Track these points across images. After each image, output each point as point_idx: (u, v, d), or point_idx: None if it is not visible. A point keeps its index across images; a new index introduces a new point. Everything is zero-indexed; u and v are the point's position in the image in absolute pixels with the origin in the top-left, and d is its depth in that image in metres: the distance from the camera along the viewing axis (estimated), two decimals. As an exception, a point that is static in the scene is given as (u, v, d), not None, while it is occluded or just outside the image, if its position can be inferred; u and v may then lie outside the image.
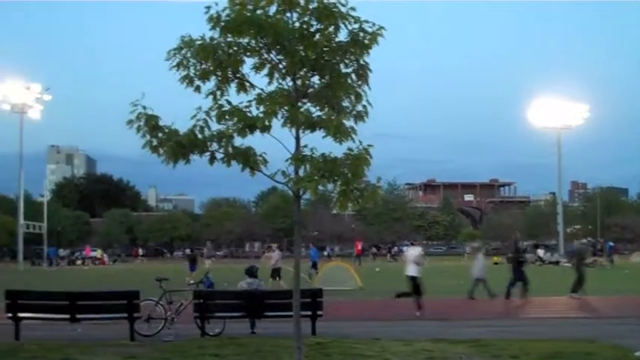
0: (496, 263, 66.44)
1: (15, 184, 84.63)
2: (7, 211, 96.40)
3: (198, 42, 8.84)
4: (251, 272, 18.35)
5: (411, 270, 21.07)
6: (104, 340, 14.82)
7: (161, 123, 8.84)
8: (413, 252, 22.07)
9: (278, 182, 8.96)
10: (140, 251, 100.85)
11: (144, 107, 8.82)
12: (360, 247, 72.71)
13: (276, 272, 32.29)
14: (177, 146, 8.74)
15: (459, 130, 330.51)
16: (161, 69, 9.20)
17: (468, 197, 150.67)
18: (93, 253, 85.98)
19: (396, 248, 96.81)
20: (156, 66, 9.42)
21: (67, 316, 15.62)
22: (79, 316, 15.68)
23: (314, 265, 39.77)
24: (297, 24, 8.78)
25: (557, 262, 66.11)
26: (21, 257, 75.04)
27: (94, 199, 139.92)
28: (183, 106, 9.26)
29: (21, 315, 15.55)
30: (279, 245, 41.61)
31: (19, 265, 71.32)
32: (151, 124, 8.78)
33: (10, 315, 15.51)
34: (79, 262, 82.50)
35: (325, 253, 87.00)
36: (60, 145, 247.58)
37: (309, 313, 15.55)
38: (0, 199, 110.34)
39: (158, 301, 16.53)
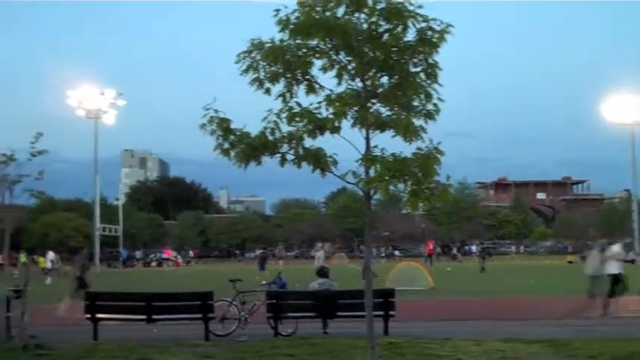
0: (570, 262, 65.35)
1: (91, 189, 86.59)
2: (84, 215, 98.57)
3: (268, 45, 8.93)
4: (322, 272, 18.41)
5: (613, 268, 20.63)
6: (179, 340, 15.04)
7: (233, 126, 8.96)
8: (615, 249, 21.59)
9: (349, 183, 8.98)
10: (191, 253, 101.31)
11: (216, 111, 8.96)
12: (431, 247, 72.28)
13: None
14: (249, 148, 8.85)
15: (531, 128, 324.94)
16: (232, 72, 9.32)
17: (540, 195, 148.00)
18: (174, 255, 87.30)
19: (455, 248, 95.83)
20: (227, 69, 9.57)
21: (144, 316, 15.94)
22: (155, 316, 15.99)
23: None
24: (365, 25, 8.80)
25: (632, 261, 64.61)
26: (97, 259, 76.66)
27: (167, 202, 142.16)
28: (253, 109, 9.37)
29: (99, 316, 15.92)
30: (323, 245, 41.55)
31: (95, 268, 72.87)
32: (223, 127, 8.91)
33: (88, 316, 15.90)
34: (153, 263, 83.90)
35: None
36: (134, 150, 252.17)
37: (382, 313, 15.52)
38: (77, 203, 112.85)
39: (232, 302, 16.71)
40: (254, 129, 8.99)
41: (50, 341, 14.45)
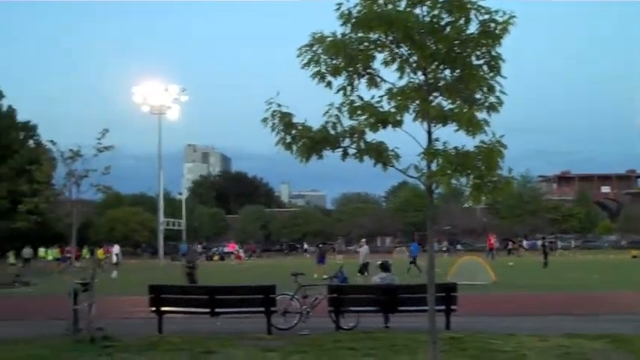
0: (635, 257, 64.05)
1: (155, 183, 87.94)
2: (148, 209, 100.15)
3: (330, 38, 8.93)
4: (385, 267, 18.40)
5: None
6: (242, 333, 15.18)
7: (294, 120, 8.99)
8: None
9: (411, 177, 8.94)
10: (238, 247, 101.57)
11: (278, 105, 9.00)
12: (492, 241, 71.48)
13: (364, 267, 32.48)
14: (311, 143, 8.87)
15: (593, 120, 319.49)
16: (294, 66, 9.35)
17: (605, 189, 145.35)
18: (237, 249, 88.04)
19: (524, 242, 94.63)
20: (288, 63, 9.60)
21: (207, 310, 16.14)
22: (218, 310, 16.17)
23: (413, 261, 39.60)
24: (427, 18, 8.74)
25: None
26: (161, 253, 77.78)
27: (229, 196, 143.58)
28: (315, 103, 9.39)
29: (163, 309, 16.17)
30: (367, 240, 41.48)
31: (159, 261, 73.94)
32: (285, 122, 8.94)
33: (153, 309, 16.16)
34: (216, 257, 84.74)
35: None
36: (196, 145, 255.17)
37: (444, 307, 15.47)
38: (141, 198, 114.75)
39: (294, 296, 16.82)
40: (315, 123, 9.01)
41: (116, 334, 14.72)
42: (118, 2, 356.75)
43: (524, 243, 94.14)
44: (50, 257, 58.08)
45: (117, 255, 46.53)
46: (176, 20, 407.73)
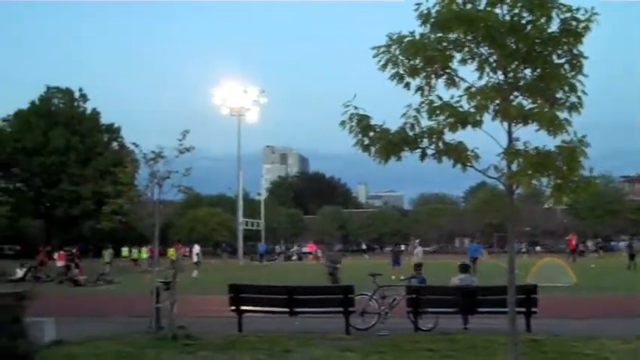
0: None
1: (234, 184, 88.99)
2: (227, 210, 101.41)
3: (408, 39, 8.92)
4: (464, 268, 18.25)
5: None
6: (321, 332, 15.26)
7: (372, 122, 9.00)
8: None
9: (490, 177, 8.86)
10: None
11: (355, 108, 9.02)
12: (574, 243, 70.04)
13: (418, 268, 32.28)
14: (389, 144, 8.86)
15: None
16: (371, 66, 9.36)
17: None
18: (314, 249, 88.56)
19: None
20: (365, 63, 9.61)
21: (286, 309, 16.27)
22: (297, 309, 16.29)
23: (473, 262, 38.82)
24: (507, 17, 8.66)
25: None
26: (241, 253, 78.68)
27: (307, 197, 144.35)
28: (392, 103, 9.38)
29: (243, 308, 16.37)
30: (420, 241, 41.03)
31: (238, 261, 74.80)
32: (362, 124, 8.96)
33: (233, 308, 16.37)
34: (294, 257, 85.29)
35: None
36: (275, 146, 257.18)
37: (524, 309, 15.28)
38: (221, 198, 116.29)
39: (372, 296, 16.83)
40: (392, 124, 9.01)
41: (197, 332, 14.98)
42: (198, 4, 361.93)
43: (592, 244, 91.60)
44: (144, 256, 59.66)
45: (197, 255, 47.18)
46: (256, 22, 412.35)
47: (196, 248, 48.30)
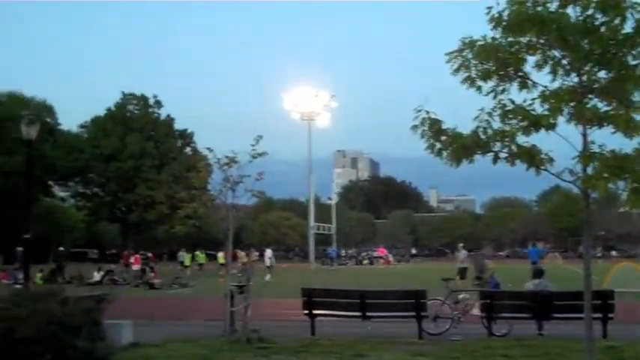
0: None
1: (305, 188, 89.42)
2: (299, 214, 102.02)
3: (480, 43, 8.89)
4: (538, 273, 18.00)
5: None
6: (393, 337, 15.25)
7: (444, 126, 8.98)
8: None
9: (565, 181, 8.75)
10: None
11: (427, 112, 9.02)
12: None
13: (462, 272, 31.83)
14: (461, 148, 8.83)
15: None
16: (442, 69, 9.35)
17: None
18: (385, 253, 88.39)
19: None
20: (436, 66, 9.60)
21: (359, 313, 16.30)
22: (369, 313, 16.30)
23: (534, 264, 38.01)
24: (580, 18, 8.55)
25: None
26: (312, 257, 78.99)
27: (378, 201, 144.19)
28: (462, 107, 9.35)
29: (315, 312, 16.45)
30: (464, 245, 40.44)
31: (310, 265, 75.10)
32: (434, 129, 8.95)
33: (306, 312, 16.48)
34: (365, 261, 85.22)
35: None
36: (345, 150, 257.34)
37: (600, 315, 14.99)
38: (292, 203, 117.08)
39: (444, 301, 16.75)
40: (464, 127, 8.98)
41: (270, 335, 15.11)
42: (270, 7, 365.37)
43: None
44: (221, 260, 60.23)
45: (270, 259, 47.60)
46: (327, 25, 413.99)
47: (268, 252, 48.73)
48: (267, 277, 42.87)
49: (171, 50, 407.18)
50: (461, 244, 41.13)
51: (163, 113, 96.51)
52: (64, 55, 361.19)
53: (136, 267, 46.45)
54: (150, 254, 58.41)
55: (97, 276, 42.17)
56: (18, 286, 28.02)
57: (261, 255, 51.98)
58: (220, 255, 53.75)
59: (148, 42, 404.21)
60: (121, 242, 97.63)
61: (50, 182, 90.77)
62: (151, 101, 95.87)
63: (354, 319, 16.59)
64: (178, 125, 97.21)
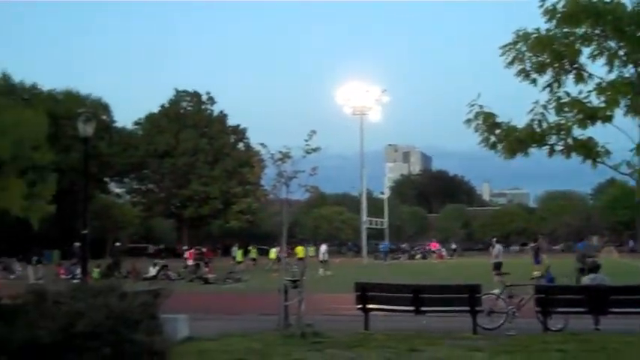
0: None
1: (357, 183, 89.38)
2: (351, 208, 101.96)
3: (534, 35, 8.82)
4: (595, 267, 17.76)
5: None
6: (447, 332, 15.17)
7: (498, 120, 8.94)
8: None
9: (621, 173, 8.66)
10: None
11: (480, 106, 8.98)
12: None
13: (497, 267, 31.38)
14: (516, 141, 8.79)
15: None
16: (494, 64, 9.30)
17: None
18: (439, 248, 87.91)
19: None
20: (488, 61, 9.55)
21: (413, 308, 16.25)
22: (423, 308, 16.24)
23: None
24: (636, 8, 8.43)
25: None
26: (365, 251, 78.92)
27: (430, 195, 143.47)
28: (516, 100, 9.29)
29: (369, 306, 16.45)
30: (498, 239, 39.75)
31: (363, 259, 75.04)
32: (488, 122, 8.92)
33: (359, 306, 16.48)
34: (418, 256, 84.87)
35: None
36: (397, 144, 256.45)
37: (659, 309, 14.75)
38: (344, 197, 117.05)
39: (499, 295, 16.62)
40: (518, 121, 8.92)
41: (324, 330, 15.13)
42: (322, 4, 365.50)
43: None
44: (273, 256, 60.60)
45: (324, 253, 47.68)
46: (379, 21, 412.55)
47: (323, 247, 48.81)
48: (321, 271, 43.01)
49: (223, 47, 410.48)
50: (494, 239, 40.72)
51: (216, 109, 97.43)
52: (119, 54, 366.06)
53: (190, 262, 46.93)
54: (204, 249, 58.89)
55: (152, 271, 42.72)
56: (75, 281, 28.58)
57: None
58: (273, 250, 54.08)
59: (203, 40, 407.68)
60: (176, 237, 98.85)
61: (106, 179, 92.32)
62: (204, 98, 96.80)
63: (408, 313, 16.53)
64: (231, 121, 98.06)
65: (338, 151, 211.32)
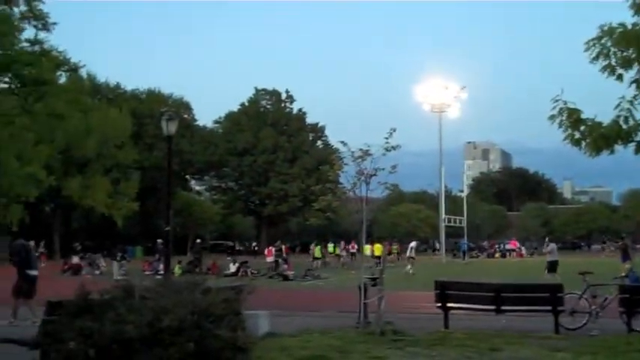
0: None
1: (436, 180, 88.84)
2: (429, 206, 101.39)
3: (619, 30, 8.65)
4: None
5: None
6: (528, 331, 15.00)
7: (583, 116, 8.81)
8: None
9: None
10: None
11: (565, 102, 8.86)
12: None
13: (552, 266, 30.63)
14: (601, 138, 8.64)
15: None
16: (576, 59, 9.16)
17: None
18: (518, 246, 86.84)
19: None
20: (570, 56, 9.42)
21: (493, 307, 16.08)
22: (503, 307, 16.07)
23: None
24: None
25: None
26: (443, 250, 78.39)
27: (510, 193, 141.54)
28: (599, 96, 9.14)
29: (449, 305, 16.36)
30: (551, 238, 38.69)
31: (441, 258, 74.56)
32: (573, 118, 8.80)
33: (439, 305, 16.41)
34: (497, 254, 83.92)
35: None
36: (476, 141, 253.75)
37: None
38: (422, 195, 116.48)
39: (582, 295, 16.34)
40: (603, 117, 8.78)
41: (404, 328, 15.12)
42: (402, 3, 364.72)
43: None
44: (337, 251, 60.82)
45: (412, 249, 47.43)
46: (459, 20, 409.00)
47: (413, 244, 48.63)
48: (408, 267, 43.03)
49: (303, 46, 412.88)
50: (547, 237, 39.99)
51: (295, 108, 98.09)
52: (200, 53, 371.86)
53: (269, 259, 47.40)
54: (284, 246, 59.45)
55: (232, 268, 43.32)
56: (158, 277, 29.19)
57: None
58: (367, 247, 54.12)
59: (283, 39, 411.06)
60: (255, 235, 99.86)
61: (187, 176, 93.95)
62: (283, 96, 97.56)
63: (488, 312, 16.38)
64: (309, 119, 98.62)
65: (416, 148, 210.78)
